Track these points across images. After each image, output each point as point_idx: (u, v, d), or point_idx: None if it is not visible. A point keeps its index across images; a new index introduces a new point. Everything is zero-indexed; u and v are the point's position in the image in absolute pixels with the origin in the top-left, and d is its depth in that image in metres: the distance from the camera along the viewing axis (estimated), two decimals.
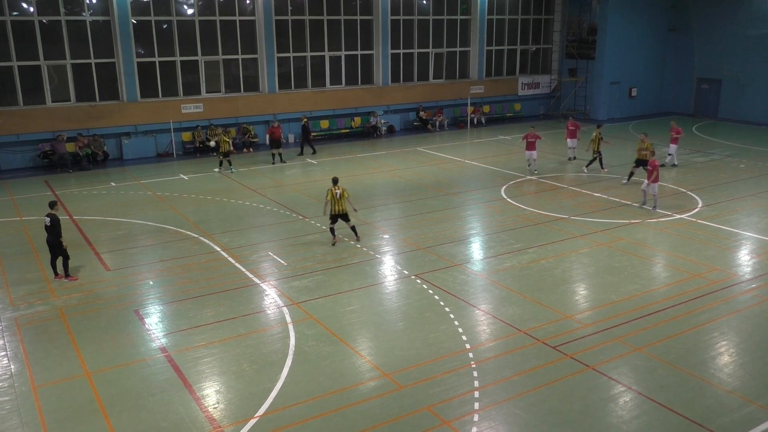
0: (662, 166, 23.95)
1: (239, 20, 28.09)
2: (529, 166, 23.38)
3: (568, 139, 25.13)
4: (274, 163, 25.24)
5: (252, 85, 29.12)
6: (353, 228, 15.97)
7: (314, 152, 26.88)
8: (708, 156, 25.84)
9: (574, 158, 25.17)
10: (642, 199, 18.80)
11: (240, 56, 28.47)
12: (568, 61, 36.93)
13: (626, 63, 35.89)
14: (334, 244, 15.74)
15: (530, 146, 22.87)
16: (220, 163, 23.91)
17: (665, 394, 9.39)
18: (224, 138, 23.84)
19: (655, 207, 18.39)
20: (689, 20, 36.13)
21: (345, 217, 15.74)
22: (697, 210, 18.52)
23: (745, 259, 14.91)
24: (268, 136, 25.73)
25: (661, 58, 37.31)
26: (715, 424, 8.68)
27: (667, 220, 17.63)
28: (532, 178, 22.45)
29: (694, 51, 36.20)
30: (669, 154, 24.15)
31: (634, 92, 36.84)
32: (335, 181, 15.78)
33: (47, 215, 13.43)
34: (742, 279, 13.63)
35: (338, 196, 15.50)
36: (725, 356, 10.57)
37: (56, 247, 13.49)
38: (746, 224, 17.11)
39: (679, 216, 17.93)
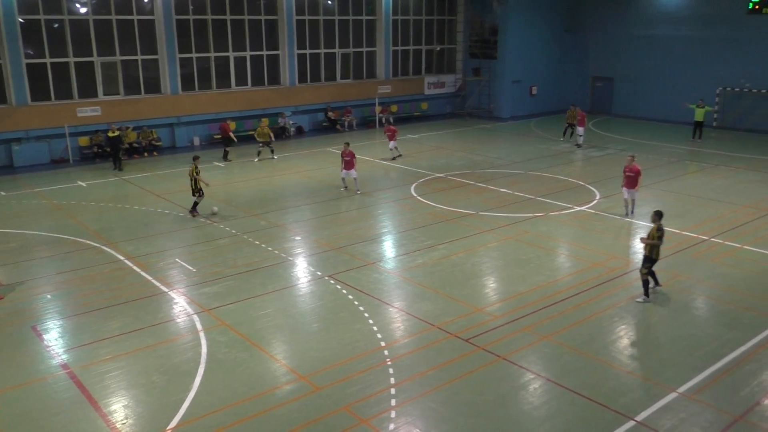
0: (579, 146, 27.52)
1: (137, 19, 27.00)
2: (344, 182, 21.00)
3: (390, 142, 25.51)
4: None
5: (153, 86, 28.09)
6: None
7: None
8: (604, 150, 27.22)
9: (400, 156, 25.70)
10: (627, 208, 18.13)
11: (139, 57, 27.40)
12: (472, 61, 37.90)
13: (527, 62, 37.21)
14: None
15: (348, 165, 20.35)
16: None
17: (572, 379, 9.82)
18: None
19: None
20: (584, 21, 37.92)
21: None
22: (595, 202, 19.47)
23: (640, 246, 15.75)
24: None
25: (559, 57, 38.93)
26: (618, 404, 9.16)
27: (568, 212, 18.44)
28: (446, 176, 22.91)
29: (589, 50, 38.05)
30: (580, 135, 27.84)
31: (534, 90, 38.27)
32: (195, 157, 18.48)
33: None
34: (638, 265, 14.41)
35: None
36: (624, 339, 11.18)
37: None
38: (639, 214, 18.13)
39: (579, 208, 18.79)
